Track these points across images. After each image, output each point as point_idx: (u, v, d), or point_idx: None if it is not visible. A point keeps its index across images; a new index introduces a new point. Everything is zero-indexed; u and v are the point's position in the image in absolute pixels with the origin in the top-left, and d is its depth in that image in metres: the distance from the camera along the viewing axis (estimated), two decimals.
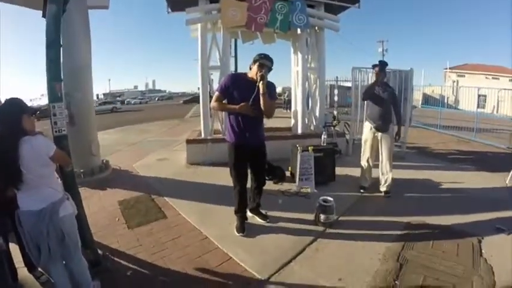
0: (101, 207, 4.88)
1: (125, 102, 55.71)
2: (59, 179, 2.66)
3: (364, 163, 5.37)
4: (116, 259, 3.43)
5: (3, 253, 2.51)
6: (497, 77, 33.03)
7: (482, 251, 3.39)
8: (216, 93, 3.73)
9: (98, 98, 56.06)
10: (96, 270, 3.02)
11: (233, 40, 13.72)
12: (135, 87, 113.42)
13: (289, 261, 3.25)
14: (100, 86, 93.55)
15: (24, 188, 2.23)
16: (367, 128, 5.22)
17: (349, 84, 10.94)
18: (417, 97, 19.29)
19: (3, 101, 2.58)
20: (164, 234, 3.93)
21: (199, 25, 7.34)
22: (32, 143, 2.22)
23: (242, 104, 3.44)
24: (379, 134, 5.06)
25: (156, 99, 64.39)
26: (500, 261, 3.19)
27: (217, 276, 3.07)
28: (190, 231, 4.00)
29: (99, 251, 3.43)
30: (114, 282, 3.03)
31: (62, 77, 2.98)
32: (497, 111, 18.25)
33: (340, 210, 4.32)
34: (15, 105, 2.31)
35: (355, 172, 6.21)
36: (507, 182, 5.62)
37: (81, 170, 6.12)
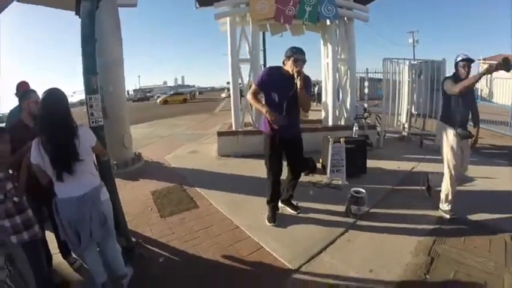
0: (134, 197, 5.04)
1: (155, 97, 56.60)
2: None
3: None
4: (148, 247, 3.53)
5: (39, 240, 2.63)
6: None
7: None
8: (253, 86, 3.77)
9: (128, 93, 57.35)
10: (130, 257, 3.12)
11: (261, 33, 13.70)
12: (165, 82, 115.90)
13: (320, 252, 3.25)
14: (130, 82, 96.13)
15: (67, 176, 2.31)
16: (451, 134, 3.90)
17: (379, 76, 10.70)
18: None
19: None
20: (196, 223, 4.02)
21: (228, 19, 7.39)
22: (80, 131, 2.37)
23: (270, 112, 3.39)
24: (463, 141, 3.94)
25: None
26: None
27: (248, 265, 3.11)
28: (221, 221, 4.07)
29: (133, 239, 3.54)
30: (146, 268, 3.12)
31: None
32: None
33: (372, 203, 4.25)
34: (64, 94, 2.43)
35: (387, 165, 6.14)
36: None
37: (115, 162, 6.32)
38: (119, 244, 2.89)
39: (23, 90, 3.38)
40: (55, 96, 2.35)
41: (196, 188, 5.24)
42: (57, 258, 3.17)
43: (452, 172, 3.88)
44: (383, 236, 3.56)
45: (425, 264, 2.99)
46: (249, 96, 3.78)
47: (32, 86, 3.40)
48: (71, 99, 28.23)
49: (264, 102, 3.68)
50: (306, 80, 3.48)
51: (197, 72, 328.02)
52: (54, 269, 3.10)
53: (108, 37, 6.16)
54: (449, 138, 3.88)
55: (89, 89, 3.03)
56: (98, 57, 6.32)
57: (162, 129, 13.21)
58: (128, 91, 66.48)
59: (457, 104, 3.85)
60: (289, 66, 3.47)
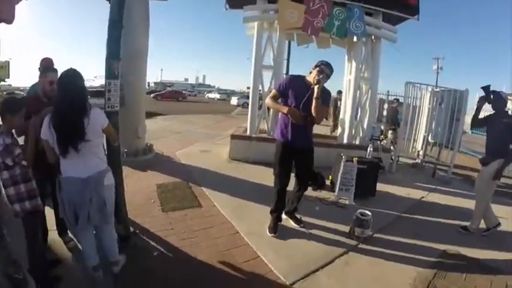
0: (139, 187, 5.05)
1: None
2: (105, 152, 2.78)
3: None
4: (145, 238, 3.52)
5: (40, 213, 2.66)
6: None
7: None
8: (273, 91, 3.80)
9: (148, 86, 58.30)
10: (125, 245, 3.11)
11: (287, 42, 13.69)
12: (186, 79, 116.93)
13: (317, 270, 3.16)
14: (152, 74, 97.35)
15: (73, 155, 2.33)
16: None
17: (400, 99, 10.53)
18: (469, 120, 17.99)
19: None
20: (196, 223, 3.99)
21: (255, 24, 7.39)
22: (92, 112, 2.38)
23: (292, 108, 3.44)
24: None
25: (205, 93, 65.45)
26: None
27: (241, 273, 3.05)
28: (222, 224, 4.02)
29: (131, 228, 3.54)
30: (139, 259, 3.11)
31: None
32: None
33: (376, 227, 4.12)
34: (78, 75, 2.44)
35: (396, 191, 5.99)
36: None
37: (125, 150, 6.36)
38: (116, 231, 2.88)
39: (45, 65, 3.46)
40: (69, 75, 2.39)
41: (203, 188, 5.21)
42: (53, 235, 3.19)
43: None
44: (383, 263, 3.45)
45: None
46: (267, 100, 3.81)
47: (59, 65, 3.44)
48: (92, 83, 28.59)
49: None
50: (324, 92, 3.50)
51: (219, 73, 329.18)
52: (48, 246, 3.10)
53: (136, 26, 6.24)
54: None
55: (110, 74, 3.07)
56: (123, 45, 6.38)
57: (178, 125, 13.30)
58: (148, 83, 67.75)
59: None
60: (312, 75, 3.53)
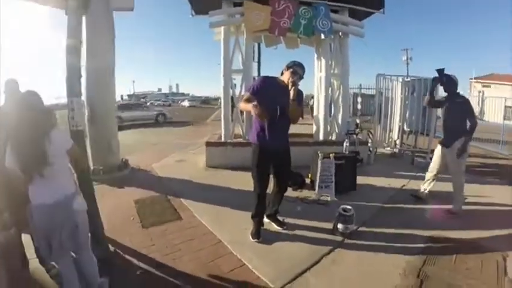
0: (117, 205, 4.88)
1: (148, 104, 56.73)
2: (74, 174, 2.66)
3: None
4: (127, 257, 3.39)
5: (14, 243, 2.53)
6: None
7: (507, 269, 3.16)
8: (247, 93, 3.70)
9: (122, 98, 57.46)
10: (106, 267, 2.96)
11: (256, 44, 13.69)
12: (159, 89, 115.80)
13: (304, 271, 3.11)
14: (124, 86, 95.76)
15: (40, 180, 2.22)
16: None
17: (372, 92, 10.70)
18: None
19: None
20: (178, 236, 3.87)
21: (222, 28, 7.34)
22: (53, 135, 2.26)
23: (256, 105, 3.31)
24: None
25: (179, 102, 64.97)
26: None
27: (228, 283, 2.96)
28: (204, 235, 3.92)
29: (111, 248, 3.41)
30: (122, 280, 2.99)
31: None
32: None
33: (360, 221, 4.13)
34: (34, 97, 2.33)
35: (377, 182, 6.09)
36: None
37: (100, 167, 6.20)
38: (95, 253, 2.75)
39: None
40: (25, 98, 2.30)
41: (181, 199, 5.10)
42: (34, 263, 2.99)
43: None
44: (371, 256, 3.44)
45: (415, 286, 2.88)
46: (241, 103, 3.72)
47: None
48: (57, 101, 27.68)
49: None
50: (298, 92, 3.51)
51: (192, 80, 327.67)
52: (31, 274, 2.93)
53: (100, 41, 6.11)
54: None
55: (71, 91, 2.93)
56: (89, 62, 6.28)
57: (152, 137, 13.06)
58: (122, 96, 66.84)
59: None
60: (286, 76, 3.52)
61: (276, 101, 3.47)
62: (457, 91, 4.70)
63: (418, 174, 6.50)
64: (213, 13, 7.07)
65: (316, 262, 3.29)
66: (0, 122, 2.78)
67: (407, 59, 36.62)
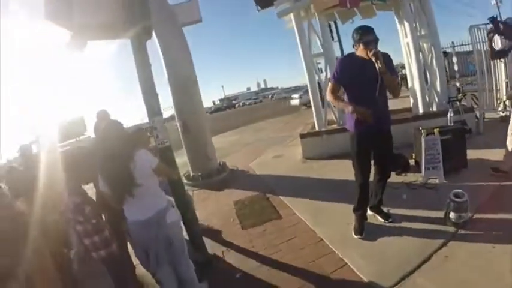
0: (217, 208, 5.09)
1: (241, 104, 58.68)
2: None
3: None
4: (227, 260, 3.47)
5: (118, 257, 2.84)
6: None
7: None
8: (330, 83, 3.38)
9: (214, 104, 60.42)
10: (205, 272, 3.08)
11: (332, 23, 12.99)
12: (248, 88, 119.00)
13: (413, 271, 2.72)
14: (215, 92, 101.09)
15: (130, 200, 2.37)
16: None
17: (467, 48, 9.30)
18: None
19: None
20: (278, 236, 3.82)
21: (292, 15, 7.08)
22: (137, 158, 2.37)
23: (357, 108, 3.01)
24: None
25: (270, 96, 65.77)
26: None
27: (331, 285, 2.80)
28: (304, 232, 3.78)
29: (210, 251, 3.53)
30: (222, 284, 3.05)
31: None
32: None
33: (475, 206, 3.46)
34: (114, 125, 2.51)
35: (491, 155, 4.98)
36: None
37: (199, 174, 6.51)
38: (195, 259, 2.87)
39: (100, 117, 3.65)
40: (107, 129, 2.49)
41: (280, 196, 5.04)
42: (140, 269, 3.15)
43: None
44: (489, 250, 2.80)
45: None
46: (328, 96, 3.39)
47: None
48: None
49: (345, 98, 3.28)
50: (385, 60, 3.00)
51: (279, 73, 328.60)
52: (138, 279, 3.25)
53: (176, 56, 6.47)
54: None
55: (151, 111, 3.05)
56: (172, 78, 6.65)
57: (247, 136, 13.41)
58: (213, 101, 70.77)
59: None
60: (362, 52, 3.06)
61: (364, 80, 3.06)
62: None
63: None
64: (278, 2, 6.91)
65: (426, 259, 2.85)
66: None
67: (497, 1, 31.50)
